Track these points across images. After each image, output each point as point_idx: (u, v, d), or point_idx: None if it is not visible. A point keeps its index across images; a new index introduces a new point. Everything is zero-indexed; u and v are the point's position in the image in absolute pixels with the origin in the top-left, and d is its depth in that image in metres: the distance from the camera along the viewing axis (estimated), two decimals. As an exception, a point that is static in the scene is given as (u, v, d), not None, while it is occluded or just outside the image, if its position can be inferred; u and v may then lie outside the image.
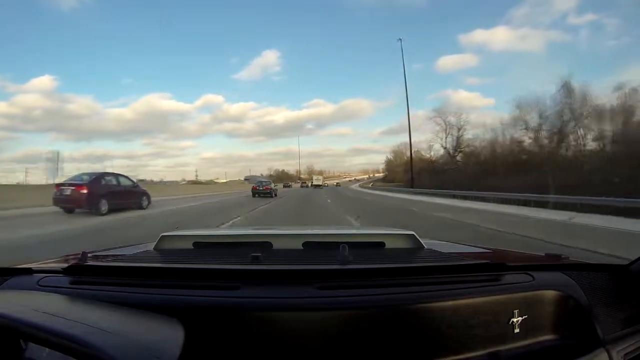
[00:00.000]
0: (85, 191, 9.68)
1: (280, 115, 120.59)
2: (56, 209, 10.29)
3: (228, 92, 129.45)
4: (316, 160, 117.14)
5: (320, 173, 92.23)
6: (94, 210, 9.82)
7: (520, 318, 0.72)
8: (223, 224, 8.93)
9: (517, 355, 0.70)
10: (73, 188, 9.78)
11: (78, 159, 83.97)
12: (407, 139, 33.04)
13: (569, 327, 0.76)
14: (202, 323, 0.63)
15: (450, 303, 0.69)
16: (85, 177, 10.48)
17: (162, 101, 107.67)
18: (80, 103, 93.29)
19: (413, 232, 1.17)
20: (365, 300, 0.68)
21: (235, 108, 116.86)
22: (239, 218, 10.49)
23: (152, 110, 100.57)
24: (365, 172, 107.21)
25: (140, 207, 11.64)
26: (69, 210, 10.07)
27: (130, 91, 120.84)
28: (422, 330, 0.67)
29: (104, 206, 10.01)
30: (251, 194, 21.89)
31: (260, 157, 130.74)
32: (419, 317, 0.68)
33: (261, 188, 21.31)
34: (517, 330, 0.71)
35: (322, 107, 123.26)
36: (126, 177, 12.21)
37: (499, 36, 76.77)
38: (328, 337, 0.64)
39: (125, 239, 6.91)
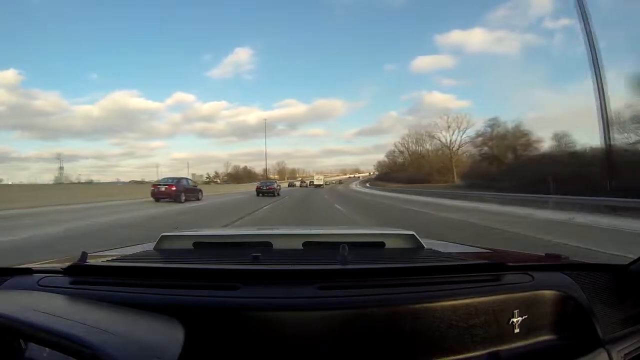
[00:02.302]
0: (174, 188, 13.52)
1: (252, 115, 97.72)
2: (147, 199, 13.88)
3: (199, 90, 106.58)
4: (288, 161, 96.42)
5: (294, 172, 77.84)
6: (178, 200, 13.21)
7: (520, 318, 0.65)
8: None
9: (517, 355, 0.64)
10: (166, 186, 13.68)
11: (46, 159, 76.15)
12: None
13: (569, 327, 0.69)
14: (202, 323, 0.58)
15: (450, 303, 0.63)
16: (172, 180, 14.30)
17: (131, 99, 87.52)
18: (47, 99, 77.10)
19: (413, 232, 1.08)
20: (366, 300, 0.62)
21: (207, 107, 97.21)
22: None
23: (120, 108, 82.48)
24: (344, 171, 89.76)
25: (198, 199, 15.03)
26: (157, 200, 13.49)
27: (97, 87, 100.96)
28: (422, 330, 0.60)
29: (183, 198, 13.55)
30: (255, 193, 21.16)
31: (233, 158, 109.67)
32: (419, 317, 0.61)
33: (265, 188, 21.47)
34: (517, 330, 0.65)
35: (294, 107, 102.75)
36: (191, 179, 16.57)
37: (475, 37, 68.81)
38: (328, 337, 0.58)
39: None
